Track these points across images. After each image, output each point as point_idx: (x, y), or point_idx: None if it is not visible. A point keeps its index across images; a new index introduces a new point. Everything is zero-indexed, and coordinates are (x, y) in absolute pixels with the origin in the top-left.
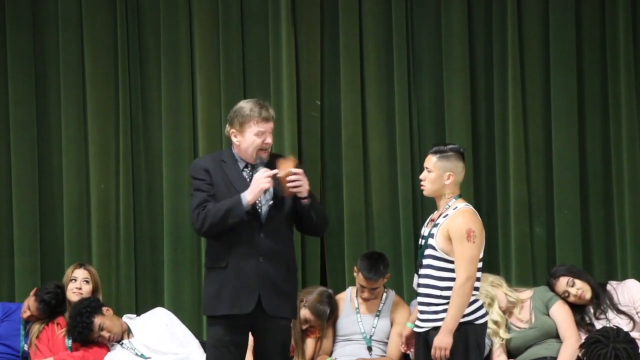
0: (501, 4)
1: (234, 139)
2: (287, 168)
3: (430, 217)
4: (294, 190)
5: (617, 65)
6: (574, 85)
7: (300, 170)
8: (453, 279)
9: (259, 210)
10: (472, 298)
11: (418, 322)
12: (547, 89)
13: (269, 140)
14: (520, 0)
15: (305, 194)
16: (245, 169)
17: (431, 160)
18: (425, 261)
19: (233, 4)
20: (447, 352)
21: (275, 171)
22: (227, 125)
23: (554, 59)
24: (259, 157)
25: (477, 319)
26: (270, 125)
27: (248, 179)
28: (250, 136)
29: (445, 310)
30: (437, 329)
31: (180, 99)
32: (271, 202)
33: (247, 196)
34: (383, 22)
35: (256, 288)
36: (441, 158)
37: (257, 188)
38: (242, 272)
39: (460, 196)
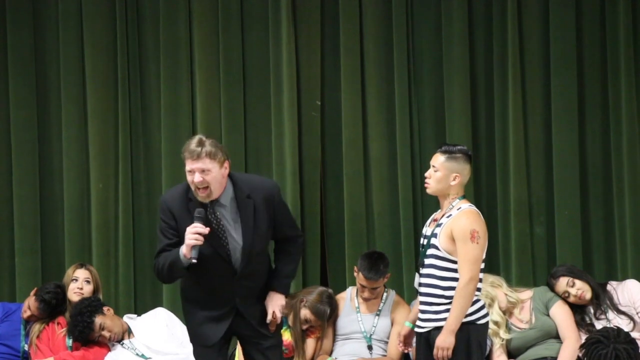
0: (501, 4)
1: None
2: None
3: (432, 216)
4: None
5: (617, 65)
6: (574, 85)
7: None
8: (455, 279)
9: (230, 257)
10: (474, 298)
11: (419, 322)
12: (547, 89)
13: (198, 179)
14: (521, 0)
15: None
16: (211, 213)
17: (439, 159)
18: (427, 261)
19: (233, 4)
20: (450, 353)
21: (205, 230)
22: None
23: (554, 58)
24: (198, 213)
25: (479, 318)
26: (198, 164)
27: (215, 224)
28: (188, 176)
29: (447, 310)
30: (438, 328)
31: (179, 99)
32: (193, 261)
33: (183, 249)
34: (383, 22)
35: (229, 323)
36: (449, 159)
37: (185, 243)
38: (219, 312)
39: (464, 197)
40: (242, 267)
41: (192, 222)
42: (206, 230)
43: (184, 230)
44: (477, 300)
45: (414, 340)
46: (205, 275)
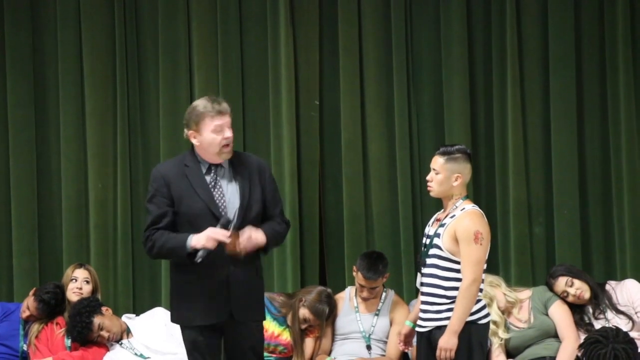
0: (500, 5)
1: (193, 141)
2: (230, 248)
3: (435, 216)
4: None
5: (616, 65)
6: (573, 85)
7: (238, 250)
8: (458, 279)
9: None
10: (477, 298)
11: (420, 322)
12: (546, 90)
13: (229, 134)
14: (520, 0)
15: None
16: (209, 173)
17: (438, 162)
18: (429, 260)
19: (232, 5)
20: (452, 353)
21: (224, 239)
22: (185, 129)
23: (553, 59)
24: (224, 220)
25: (480, 318)
26: (227, 119)
27: (211, 184)
28: (208, 134)
29: (448, 310)
30: (440, 328)
31: (178, 99)
32: (198, 260)
33: (192, 241)
34: (382, 23)
35: (227, 297)
36: (449, 160)
37: (203, 239)
38: (212, 282)
39: (467, 197)
40: (235, 226)
41: (188, 185)
42: (227, 240)
43: (179, 195)
44: (479, 300)
45: (414, 339)
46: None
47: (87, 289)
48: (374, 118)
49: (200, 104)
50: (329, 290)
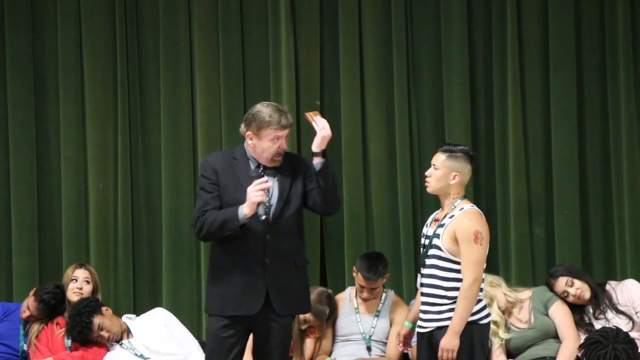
0: (501, 5)
1: (249, 141)
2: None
3: (432, 216)
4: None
5: (617, 65)
6: (573, 85)
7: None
8: (458, 280)
9: (266, 211)
10: (478, 298)
11: (421, 322)
12: (546, 90)
13: (285, 146)
14: (520, 0)
15: (327, 136)
16: (255, 170)
17: (439, 158)
18: (429, 261)
19: (232, 5)
20: (454, 354)
21: (268, 184)
22: (242, 125)
23: (553, 59)
24: (254, 172)
25: (481, 318)
26: (286, 132)
27: (257, 173)
28: (266, 142)
29: (449, 310)
30: (441, 328)
31: (179, 99)
32: (263, 218)
33: (244, 209)
34: (382, 23)
35: (263, 288)
36: (449, 157)
37: (249, 201)
38: (248, 272)
39: (465, 197)
40: (274, 218)
41: (234, 177)
42: (269, 183)
43: (224, 184)
44: (480, 300)
45: (414, 340)
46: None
47: (87, 289)
48: (374, 118)
49: (267, 112)
50: (330, 291)
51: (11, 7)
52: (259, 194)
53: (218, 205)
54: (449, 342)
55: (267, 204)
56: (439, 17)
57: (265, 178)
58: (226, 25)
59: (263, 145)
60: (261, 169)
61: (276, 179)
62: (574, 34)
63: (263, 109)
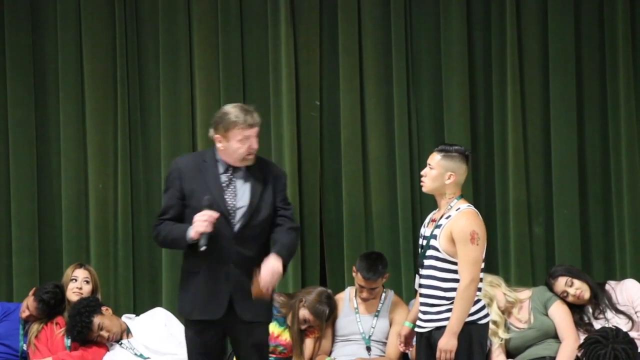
0: (500, 5)
1: (218, 145)
2: (257, 292)
3: (429, 216)
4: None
5: (616, 66)
6: (572, 85)
7: (266, 291)
8: (456, 280)
9: (232, 217)
10: (476, 298)
11: (420, 322)
12: (546, 90)
13: (255, 145)
14: (519, 0)
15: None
16: (226, 173)
17: (435, 158)
18: (427, 262)
19: (232, 5)
20: (452, 355)
21: (215, 215)
22: (211, 129)
23: (552, 59)
24: (206, 201)
25: (480, 318)
26: (255, 131)
27: (225, 183)
28: (235, 143)
29: (448, 311)
30: (440, 329)
31: (179, 99)
32: (202, 248)
33: (191, 232)
34: (382, 23)
35: (227, 294)
36: (445, 157)
37: (194, 230)
38: (214, 277)
39: (462, 197)
40: (241, 225)
41: (202, 181)
42: (216, 215)
43: (190, 189)
44: (478, 300)
45: (414, 340)
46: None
47: (87, 288)
48: (374, 117)
49: (233, 112)
50: (329, 291)
51: (11, 6)
52: (204, 225)
53: (175, 213)
54: (447, 343)
55: (209, 235)
56: (438, 17)
57: (215, 213)
58: (226, 25)
59: (233, 146)
60: (211, 197)
61: (248, 184)
62: (573, 34)
63: (229, 110)
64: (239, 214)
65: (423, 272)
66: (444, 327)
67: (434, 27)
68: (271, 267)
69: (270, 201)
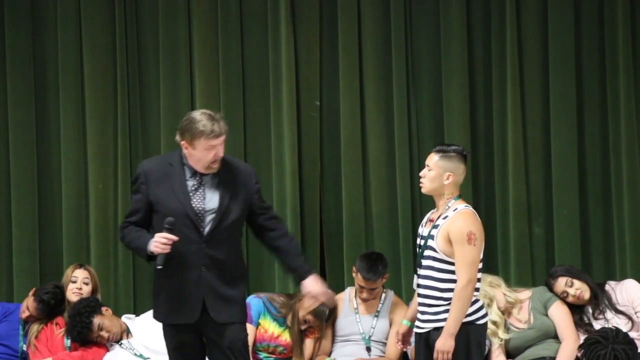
0: (500, 5)
1: (184, 150)
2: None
3: (427, 216)
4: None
5: (616, 65)
6: (572, 85)
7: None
8: (454, 281)
9: (201, 221)
10: (474, 298)
11: (418, 323)
12: (546, 89)
13: (221, 153)
14: (519, 0)
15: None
16: (193, 177)
17: (433, 159)
18: (425, 262)
19: (232, 5)
20: (449, 356)
21: (174, 238)
22: (177, 134)
23: (552, 59)
24: (167, 223)
25: (478, 319)
26: (221, 139)
27: (192, 188)
28: (200, 151)
29: (446, 311)
30: (438, 329)
31: (179, 99)
32: (158, 267)
33: (150, 247)
34: (382, 23)
35: (199, 297)
36: (443, 157)
37: (152, 248)
38: (185, 282)
39: (460, 197)
40: (210, 228)
41: (168, 185)
42: (175, 238)
43: (156, 195)
44: (476, 301)
45: (413, 338)
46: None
47: (86, 289)
48: (374, 117)
49: (200, 120)
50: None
51: (11, 7)
52: (160, 247)
53: (139, 217)
54: (444, 344)
55: (166, 256)
56: (438, 17)
57: (173, 236)
58: (226, 25)
59: (198, 154)
60: (174, 220)
61: (216, 187)
62: (573, 34)
63: (196, 118)
64: (208, 217)
65: (421, 272)
66: (442, 327)
67: (434, 27)
68: (318, 290)
69: (241, 202)
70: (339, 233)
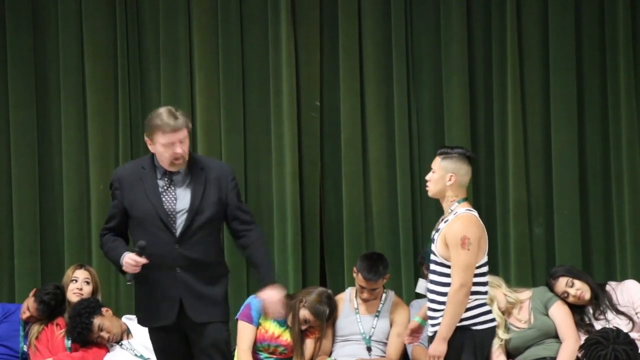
0: (500, 4)
1: (150, 147)
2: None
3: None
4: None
5: (617, 65)
6: (573, 85)
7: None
8: None
9: (173, 222)
10: (475, 303)
11: (429, 327)
12: (546, 90)
13: (179, 150)
14: (520, 0)
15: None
16: (164, 178)
17: (436, 161)
18: (431, 266)
19: (232, 5)
20: None
21: (144, 261)
22: (144, 132)
23: (553, 59)
24: (138, 246)
25: (475, 324)
26: (179, 135)
27: (163, 189)
28: (159, 147)
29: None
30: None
31: (179, 100)
32: (128, 284)
33: (122, 261)
34: (382, 23)
35: (176, 298)
36: (445, 158)
37: (123, 263)
38: (161, 284)
39: (465, 199)
40: (182, 229)
41: (142, 189)
42: (144, 261)
43: (130, 200)
44: (478, 306)
45: (421, 336)
46: (148, 244)
47: (87, 289)
48: (374, 118)
49: (159, 116)
50: (330, 291)
51: (12, 7)
52: (130, 268)
53: (116, 223)
54: (435, 349)
55: (135, 275)
56: (438, 17)
57: (142, 259)
58: (226, 25)
59: (158, 150)
60: (145, 245)
61: (188, 186)
62: (574, 34)
63: (156, 112)
64: (180, 218)
65: (429, 276)
66: None
67: (434, 27)
68: (271, 300)
69: (214, 201)
70: (339, 233)
